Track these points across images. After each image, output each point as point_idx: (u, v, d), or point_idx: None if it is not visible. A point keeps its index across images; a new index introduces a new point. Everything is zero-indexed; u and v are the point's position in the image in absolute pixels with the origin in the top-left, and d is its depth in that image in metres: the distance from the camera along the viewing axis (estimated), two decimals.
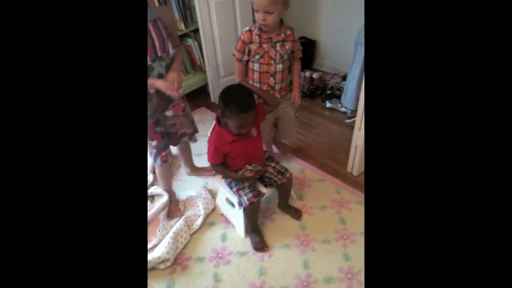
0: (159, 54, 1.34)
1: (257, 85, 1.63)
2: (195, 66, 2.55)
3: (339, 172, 1.91)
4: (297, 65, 1.68)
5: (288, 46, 1.56)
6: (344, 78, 2.48)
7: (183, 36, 2.46)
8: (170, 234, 1.55)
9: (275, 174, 1.55)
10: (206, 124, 2.36)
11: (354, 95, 2.17)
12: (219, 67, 2.41)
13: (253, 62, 1.60)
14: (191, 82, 2.48)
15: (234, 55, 1.61)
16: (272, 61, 1.57)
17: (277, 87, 1.64)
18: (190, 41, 2.46)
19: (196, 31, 2.37)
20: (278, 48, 1.55)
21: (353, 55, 2.14)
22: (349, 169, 1.90)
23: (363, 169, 1.89)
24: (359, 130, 1.71)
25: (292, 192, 1.71)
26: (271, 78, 1.61)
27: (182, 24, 2.34)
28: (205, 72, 2.45)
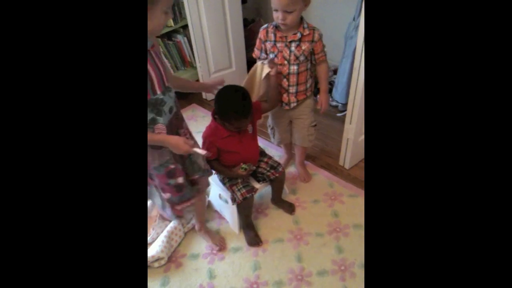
0: (167, 84, 1.11)
1: None
2: (185, 62, 2.53)
3: (331, 165, 1.92)
4: (322, 68, 1.54)
5: (304, 46, 1.43)
6: (335, 72, 2.49)
7: (172, 32, 2.44)
8: (164, 233, 1.54)
9: (268, 169, 1.55)
10: (197, 121, 2.35)
11: (345, 89, 2.17)
12: (210, 62, 2.39)
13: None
14: None
15: (253, 52, 1.58)
16: (285, 62, 1.47)
17: (292, 90, 1.53)
18: (180, 37, 2.43)
19: (186, 27, 2.35)
20: (293, 48, 1.44)
21: (343, 49, 2.15)
22: (341, 163, 1.91)
23: (354, 162, 1.90)
24: (350, 123, 1.71)
25: (285, 187, 1.72)
26: (285, 80, 1.52)
27: (171, 20, 2.32)
28: (195, 68, 2.43)
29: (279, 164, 1.57)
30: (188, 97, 2.56)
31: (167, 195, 1.23)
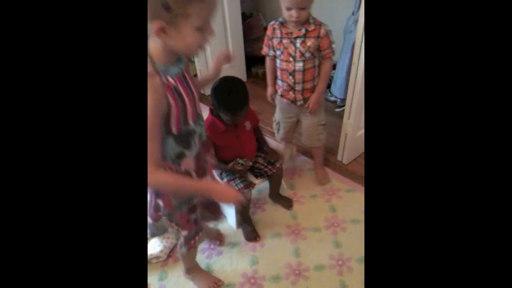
0: (199, 111, 0.98)
1: (280, 83, 1.57)
2: None
3: (329, 160, 1.92)
4: (325, 67, 1.49)
5: (309, 43, 1.41)
6: (334, 67, 2.48)
7: None
8: (164, 233, 1.53)
9: (266, 164, 1.55)
10: None
11: (343, 84, 2.17)
12: (208, 57, 2.38)
13: (276, 58, 1.52)
14: None
15: (262, 49, 1.57)
16: (291, 59, 1.45)
17: (298, 87, 1.52)
18: None
19: None
20: (298, 45, 1.42)
21: (342, 44, 2.14)
22: (339, 158, 1.91)
23: (353, 157, 1.90)
24: (349, 118, 1.71)
25: (283, 182, 1.72)
26: (290, 77, 1.50)
27: None
28: (193, 62, 2.42)
29: (276, 159, 1.57)
30: None
31: (184, 233, 1.10)
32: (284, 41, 1.45)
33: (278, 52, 1.49)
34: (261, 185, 1.66)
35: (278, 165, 1.56)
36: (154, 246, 1.49)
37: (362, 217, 1.60)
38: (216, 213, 1.14)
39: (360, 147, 1.90)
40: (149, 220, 1.08)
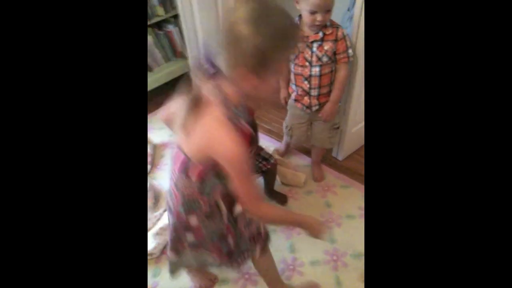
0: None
1: (293, 87, 1.52)
2: (176, 53, 2.49)
3: (325, 157, 1.91)
4: (339, 73, 1.40)
5: (327, 47, 1.34)
6: None
7: (163, 22, 2.40)
8: (157, 229, 1.51)
9: (260, 160, 1.54)
10: None
11: None
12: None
13: (290, 62, 1.46)
14: (172, 69, 2.42)
15: None
16: (307, 63, 1.38)
17: (314, 93, 1.45)
18: (171, 27, 2.40)
19: (177, 16, 2.31)
20: (314, 49, 1.35)
21: None
22: (334, 154, 1.91)
23: (348, 153, 1.90)
24: (344, 114, 1.71)
25: (278, 178, 1.71)
26: (305, 82, 1.44)
27: (162, 9, 2.28)
28: (187, 58, 2.40)
29: (271, 155, 1.56)
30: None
31: (210, 259, 1.07)
32: (299, 44, 1.38)
33: (292, 56, 1.43)
34: (256, 182, 1.65)
35: (272, 160, 1.55)
36: (148, 243, 1.47)
37: (357, 212, 1.60)
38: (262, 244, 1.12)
39: (356, 143, 1.90)
40: (172, 256, 1.08)
